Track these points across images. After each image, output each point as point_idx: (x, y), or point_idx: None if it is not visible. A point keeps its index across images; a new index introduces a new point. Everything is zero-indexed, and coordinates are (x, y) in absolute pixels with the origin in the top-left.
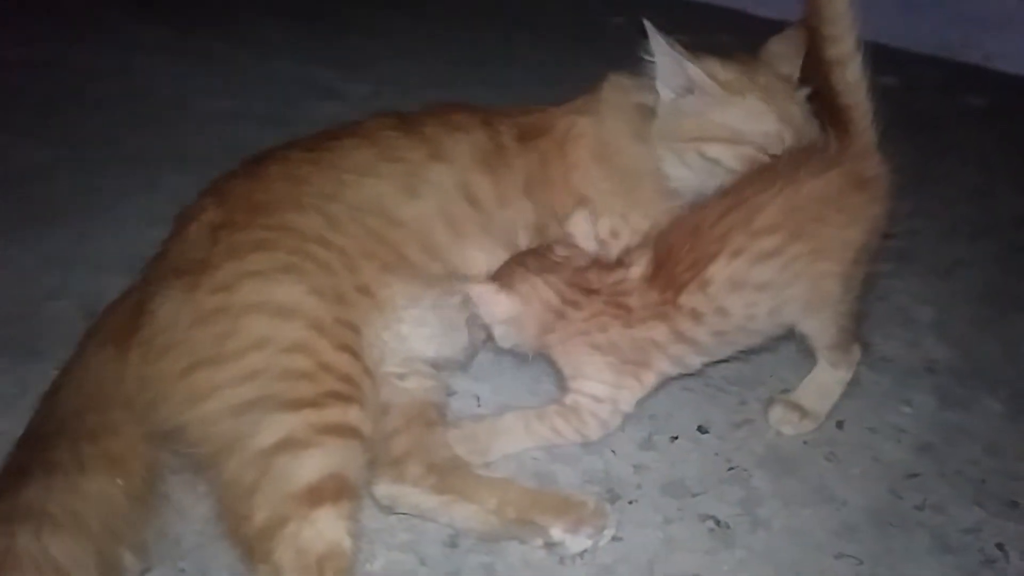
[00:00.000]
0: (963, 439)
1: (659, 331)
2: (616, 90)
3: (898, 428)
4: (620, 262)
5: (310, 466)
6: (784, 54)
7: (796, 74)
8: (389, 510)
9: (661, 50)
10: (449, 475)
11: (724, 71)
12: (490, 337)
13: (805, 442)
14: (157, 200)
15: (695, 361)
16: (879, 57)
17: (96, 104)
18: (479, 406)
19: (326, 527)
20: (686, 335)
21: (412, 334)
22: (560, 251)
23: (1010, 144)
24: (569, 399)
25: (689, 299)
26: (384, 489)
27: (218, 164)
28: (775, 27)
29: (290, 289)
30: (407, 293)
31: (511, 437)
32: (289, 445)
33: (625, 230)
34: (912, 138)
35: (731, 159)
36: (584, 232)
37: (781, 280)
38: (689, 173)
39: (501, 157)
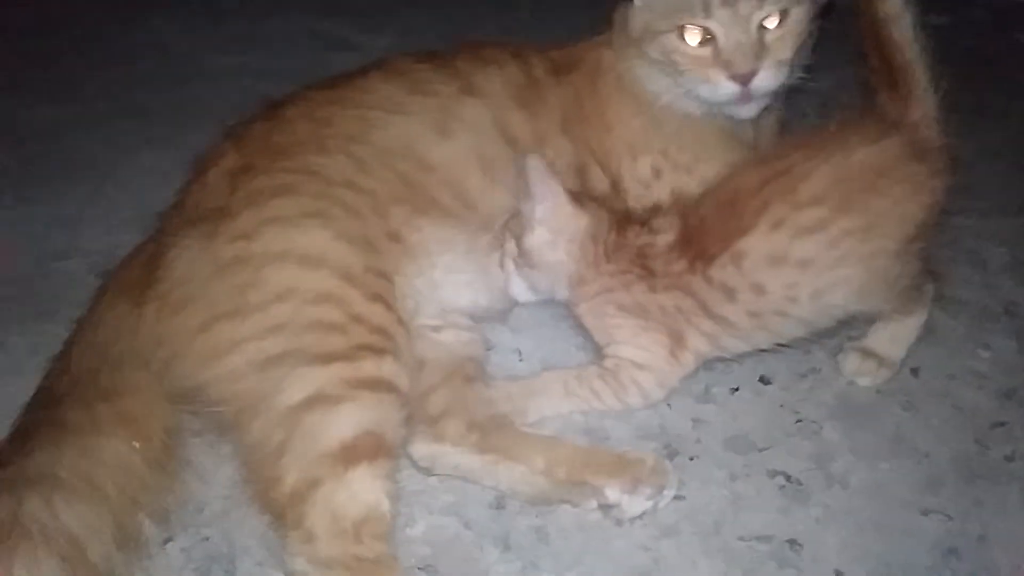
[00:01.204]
0: None
1: (685, 302)
2: (624, 20)
3: (979, 374)
4: (649, 226)
5: (343, 422)
6: None
7: None
8: (428, 471)
9: None
10: (492, 433)
11: None
12: (516, 262)
13: (878, 391)
14: (171, 156)
15: (734, 344)
16: None
17: (105, 61)
18: (520, 360)
19: (362, 488)
20: (716, 312)
21: (446, 281)
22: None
23: None
24: (609, 362)
25: (720, 273)
26: (422, 449)
27: (234, 120)
28: None
29: (316, 236)
30: (439, 237)
31: (548, 399)
32: (319, 401)
33: (666, 166)
34: (965, 76)
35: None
36: (540, 173)
37: (827, 258)
38: (668, 82)
39: (536, 92)
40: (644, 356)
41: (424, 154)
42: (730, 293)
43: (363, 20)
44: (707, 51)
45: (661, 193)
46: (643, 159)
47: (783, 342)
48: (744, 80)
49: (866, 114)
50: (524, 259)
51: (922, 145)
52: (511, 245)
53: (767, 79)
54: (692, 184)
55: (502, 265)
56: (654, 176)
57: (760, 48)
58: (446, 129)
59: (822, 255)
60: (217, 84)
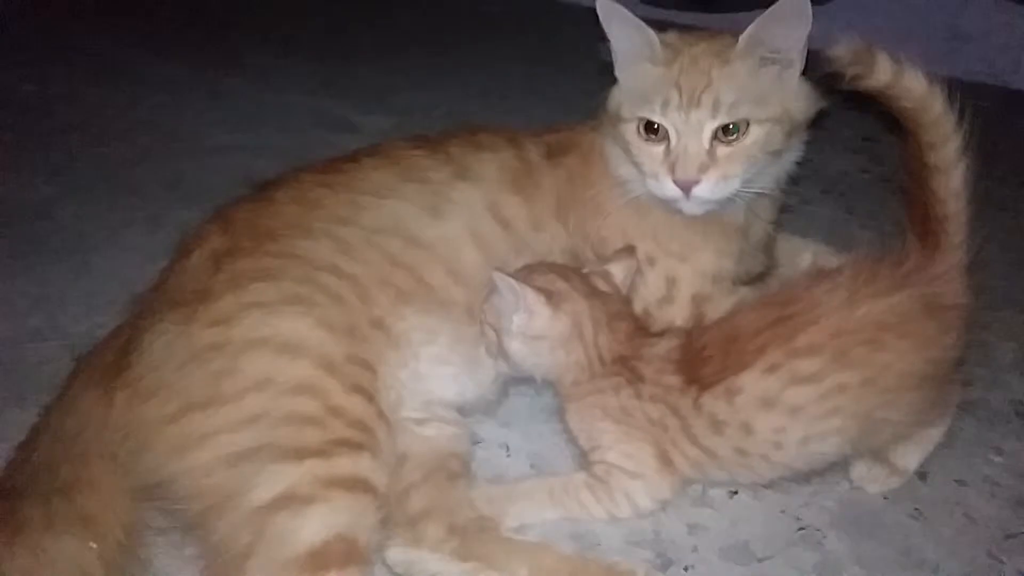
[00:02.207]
0: None
1: (671, 420)
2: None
3: (990, 480)
4: (649, 331)
5: (313, 526)
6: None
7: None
8: None
9: (616, 17)
10: (473, 538)
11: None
12: (498, 349)
13: (885, 498)
14: (160, 236)
15: (719, 475)
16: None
17: (100, 138)
18: (508, 456)
19: None
20: (702, 441)
21: (431, 373)
22: (600, 283)
23: None
24: (598, 468)
25: (712, 404)
26: (398, 554)
27: (226, 198)
28: None
29: (296, 322)
30: (425, 326)
31: (531, 505)
32: (290, 501)
33: (659, 253)
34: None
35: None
36: (623, 275)
37: (818, 409)
38: (631, 170)
39: (530, 176)
40: (633, 464)
41: (415, 233)
42: (718, 426)
43: (364, 101)
44: (660, 149)
45: (657, 281)
46: (639, 245)
47: (769, 482)
48: (685, 187)
49: (886, 258)
50: (507, 363)
51: (938, 301)
52: (491, 334)
53: (708, 191)
54: (688, 273)
55: (488, 352)
56: (648, 263)
57: (708, 160)
58: (438, 211)
59: (813, 405)
60: (214, 162)
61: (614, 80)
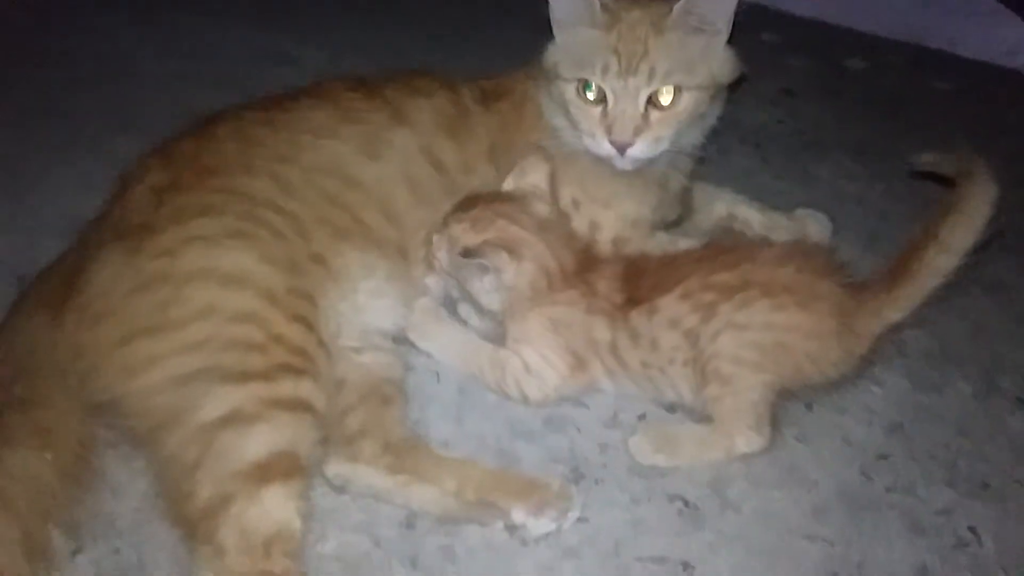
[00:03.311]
0: (934, 421)
1: (603, 335)
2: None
3: (869, 409)
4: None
5: (258, 442)
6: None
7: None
8: (341, 490)
9: None
10: (405, 455)
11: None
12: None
13: (773, 425)
14: (99, 165)
15: (623, 384)
16: (848, 40)
17: (36, 64)
18: (438, 383)
19: (274, 507)
20: (620, 352)
21: (369, 305)
22: (539, 205)
23: (976, 128)
24: (503, 353)
25: (637, 319)
26: (337, 468)
27: (166, 128)
28: None
29: (239, 256)
30: (362, 262)
31: (444, 343)
32: (235, 419)
33: (584, 199)
34: (879, 120)
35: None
36: (544, 178)
37: (706, 340)
38: (564, 123)
39: (464, 120)
40: (539, 364)
41: (352, 173)
42: (635, 339)
43: (301, 35)
44: (598, 110)
45: (581, 224)
46: (564, 189)
47: (667, 399)
48: (620, 148)
49: (840, 264)
50: (478, 312)
51: (851, 317)
52: (452, 291)
53: (641, 151)
54: (610, 218)
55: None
56: (573, 207)
57: (642, 123)
58: (375, 153)
59: (704, 333)
60: (151, 92)
61: (550, 34)
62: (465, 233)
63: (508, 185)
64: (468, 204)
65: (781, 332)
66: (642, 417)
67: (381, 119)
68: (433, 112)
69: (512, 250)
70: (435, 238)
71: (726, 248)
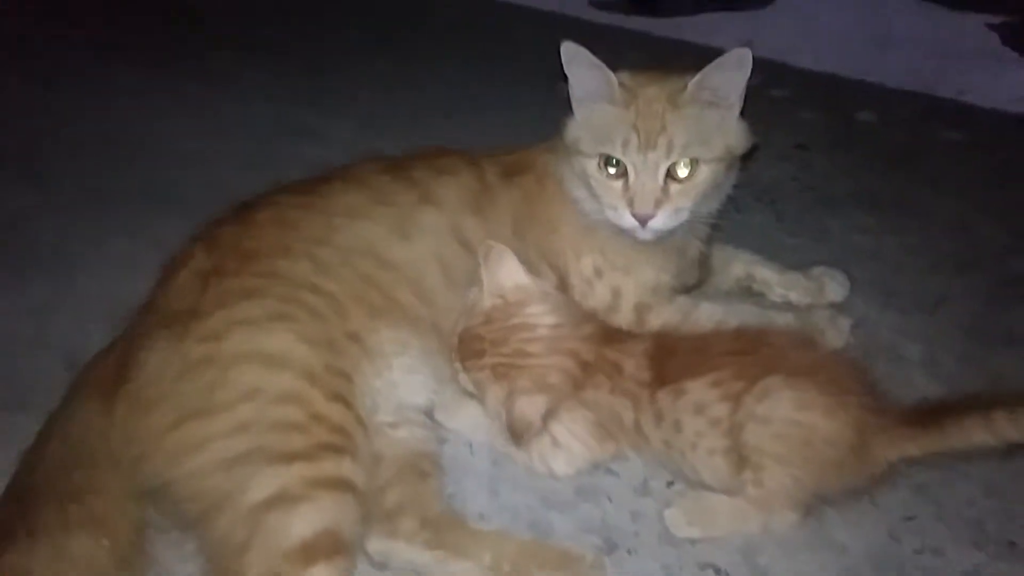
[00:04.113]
0: (959, 480)
1: (627, 415)
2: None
3: (893, 468)
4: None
5: (303, 522)
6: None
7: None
8: (383, 566)
9: (578, 60)
10: (443, 529)
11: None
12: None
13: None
14: (139, 245)
15: (649, 456)
16: (857, 92)
17: (71, 149)
18: (472, 454)
19: None
20: (643, 428)
21: (403, 381)
22: (537, 307)
23: (987, 177)
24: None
25: (663, 398)
26: (377, 545)
27: (198, 205)
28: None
29: (281, 337)
30: (396, 339)
31: (473, 419)
32: (282, 500)
33: (606, 266)
34: (890, 172)
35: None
36: (515, 269)
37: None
38: (586, 195)
39: (488, 196)
40: (566, 439)
41: (385, 254)
42: (659, 418)
43: (325, 110)
44: (619, 184)
45: (603, 291)
46: (586, 259)
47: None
48: (642, 220)
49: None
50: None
51: (875, 442)
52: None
53: (662, 222)
54: (631, 285)
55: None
56: (595, 275)
57: (662, 196)
58: (405, 233)
59: (727, 422)
60: (182, 170)
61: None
62: (491, 386)
63: (488, 301)
64: (475, 343)
65: (806, 430)
66: (670, 484)
67: (411, 200)
68: (459, 189)
69: (543, 387)
70: (455, 366)
71: (758, 339)
